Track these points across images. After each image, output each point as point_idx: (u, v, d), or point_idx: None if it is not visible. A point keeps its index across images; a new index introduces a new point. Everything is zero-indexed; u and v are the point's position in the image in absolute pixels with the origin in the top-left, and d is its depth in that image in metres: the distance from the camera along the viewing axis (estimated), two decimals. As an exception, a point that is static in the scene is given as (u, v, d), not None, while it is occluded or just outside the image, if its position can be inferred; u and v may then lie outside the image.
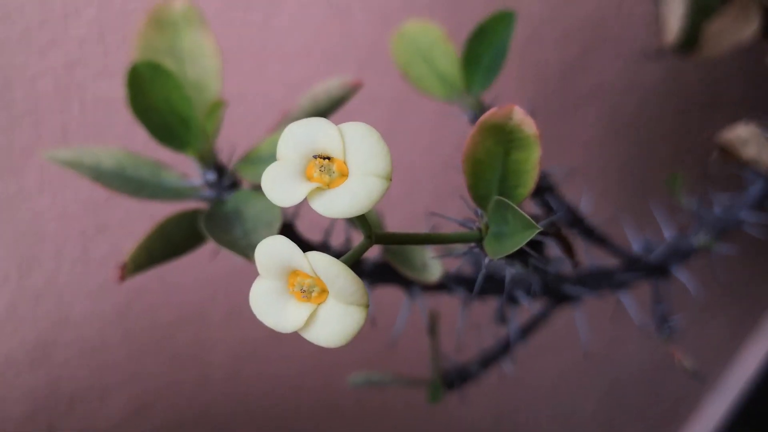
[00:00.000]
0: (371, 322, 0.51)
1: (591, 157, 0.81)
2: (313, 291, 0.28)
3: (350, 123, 0.28)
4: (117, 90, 0.63)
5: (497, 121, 0.31)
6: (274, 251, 0.28)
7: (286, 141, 0.28)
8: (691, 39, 0.62)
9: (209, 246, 0.61)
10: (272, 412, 0.76)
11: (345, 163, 0.28)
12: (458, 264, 0.48)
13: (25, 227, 0.62)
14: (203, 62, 0.41)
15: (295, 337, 0.74)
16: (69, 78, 0.62)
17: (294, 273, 0.28)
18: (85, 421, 0.68)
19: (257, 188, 0.41)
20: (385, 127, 0.70)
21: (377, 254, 0.46)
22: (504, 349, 0.51)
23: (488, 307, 0.51)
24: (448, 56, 0.46)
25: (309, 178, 0.28)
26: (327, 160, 0.27)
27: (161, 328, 0.69)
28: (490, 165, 0.32)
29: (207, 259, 0.69)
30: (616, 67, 0.78)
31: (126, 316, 0.68)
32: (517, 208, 0.30)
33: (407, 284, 0.46)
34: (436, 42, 0.46)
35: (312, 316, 0.28)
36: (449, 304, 0.52)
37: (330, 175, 0.27)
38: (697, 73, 0.82)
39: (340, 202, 0.27)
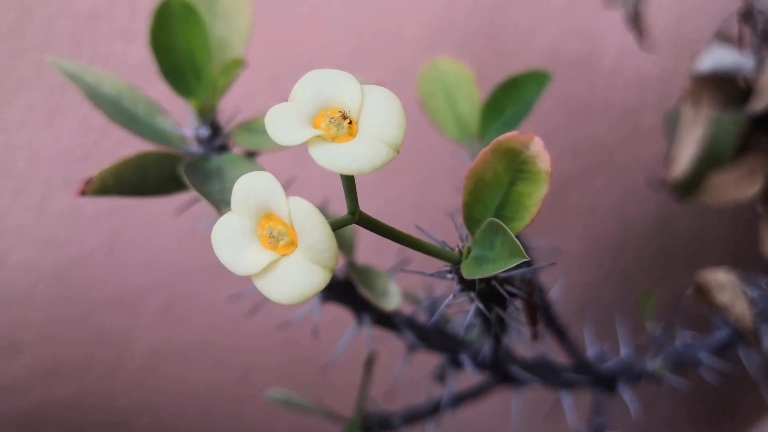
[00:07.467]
0: (312, 334, 0.49)
1: (567, 266, 0.80)
2: (281, 239, 0.26)
3: (374, 85, 0.27)
4: (131, 55, 0.63)
5: (514, 145, 0.30)
6: (255, 186, 0.26)
7: (304, 84, 0.27)
8: (694, 182, 0.62)
9: (170, 225, 0.59)
10: (180, 414, 0.72)
11: (356, 123, 0.27)
12: (413, 309, 0.47)
13: (-8, 155, 0.61)
14: (235, 22, 0.40)
15: (223, 349, 0.71)
16: (88, 28, 0.62)
17: (268, 216, 0.27)
18: (-15, 371, 0.64)
19: (248, 155, 0.39)
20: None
21: (340, 271, 0.44)
22: (432, 411, 0.49)
23: (428, 365, 0.49)
24: (470, 99, 0.46)
25: (315, 127, 0.27)
26: (341, 116, 0.26)
27: (93, 302, 0.66)
28: (492, 189, 0.31)
29: (160, 242, 0.66)
30: (612, 194, 0.78)
31: (62, 278, 0.65)
32: (510, 232, 0.29)
33: (359, 310, 0.44)
34: (463, 82, 0.46)
35: (272, 265, 0.26)
36: (390, 353, 0.51)
37: (338, 129, 0.26)
38: (688, 218, 0.82)
39: (341, 157, 0.25)
